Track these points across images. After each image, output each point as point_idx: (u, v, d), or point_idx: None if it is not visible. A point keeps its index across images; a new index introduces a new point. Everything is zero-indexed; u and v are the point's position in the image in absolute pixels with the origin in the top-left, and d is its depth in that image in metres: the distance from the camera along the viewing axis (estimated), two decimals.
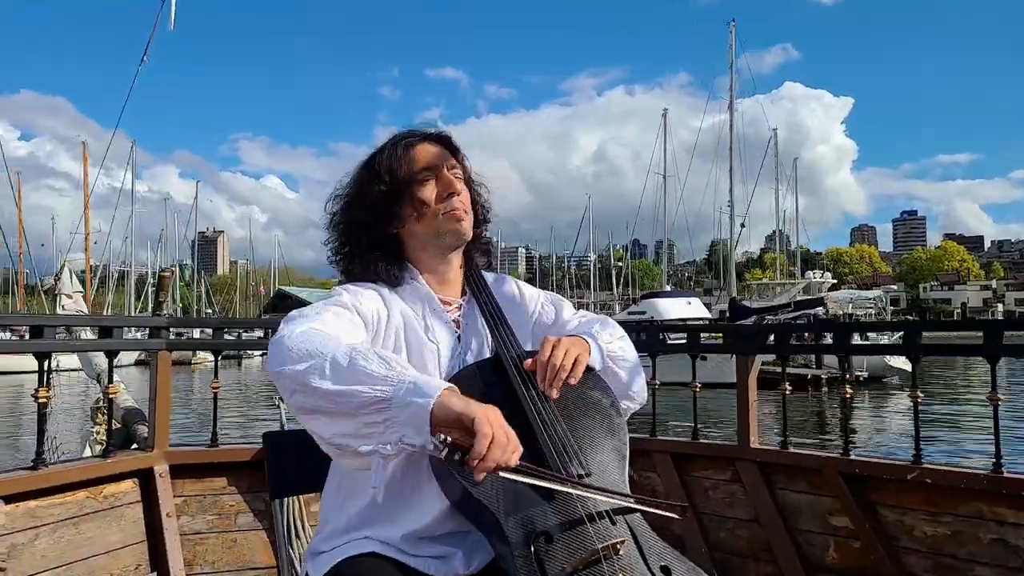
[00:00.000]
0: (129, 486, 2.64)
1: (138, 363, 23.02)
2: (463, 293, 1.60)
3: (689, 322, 26.06)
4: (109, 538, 2.52)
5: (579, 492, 1.26)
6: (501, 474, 1.15)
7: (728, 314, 29.37)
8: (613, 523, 1.28)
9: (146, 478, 2.67)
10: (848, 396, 3.03)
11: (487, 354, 1.52)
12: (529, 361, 1.41)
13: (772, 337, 3.03)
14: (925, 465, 2.59)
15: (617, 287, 69.44)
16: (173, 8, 3.34)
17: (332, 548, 1.40)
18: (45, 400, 2.43)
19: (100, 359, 2.91)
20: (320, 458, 1.50)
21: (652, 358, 3.33)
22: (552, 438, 1.33)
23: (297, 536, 2.59)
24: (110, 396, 2.66)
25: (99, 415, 3.03)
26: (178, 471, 2.73)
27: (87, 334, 3.07)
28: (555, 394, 1.38)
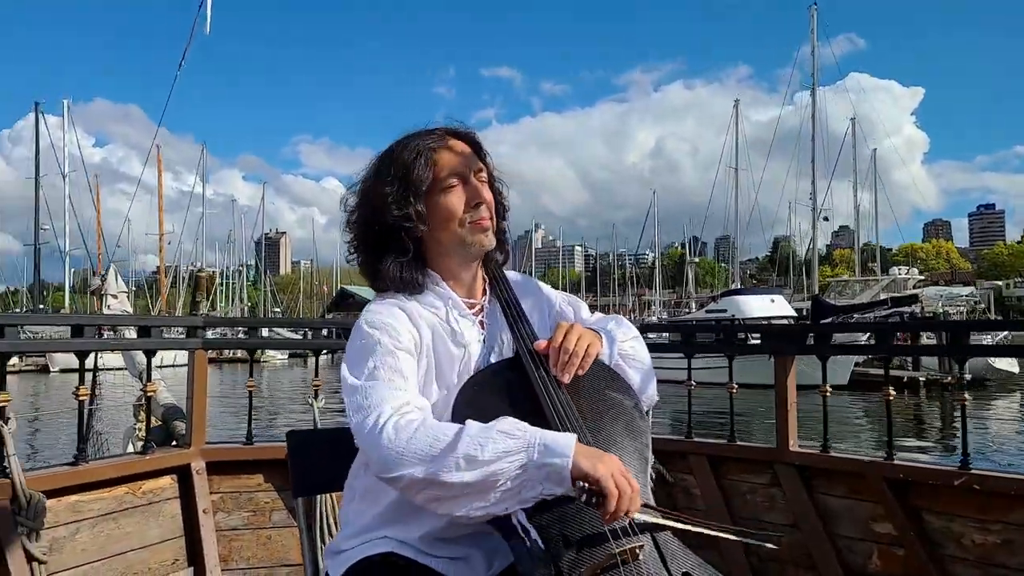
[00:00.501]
0: (167, 482, 2.72)
1: (212, 362, 23.84)
2: (483, 292, 1.57)
3: (773, 321, 25.24)
4: (147, 533, 2.61)
5: (700, 530, 1.29)
6: (636, 518, 1.22)
7: (810, 312, 28.38)
8: (642, 533, 1.26)
9: (183, 475, 2.75)
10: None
11: (510, 352, 1.50)
12: (543, 344, 1.39)
13: (812, 337, 2.93)
14: (973, 471, 2.47)
15: (685, 285, 67.42)
16: (209, 14, 3.43)
17: (351, 547, 1.41)
18: (86, 398, 2.52)
19: (142, 357, 3.00)
20: (342, 458, 1.53)
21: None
22: (564, 412, 1.33)
23: (330, 534, 2.62)
24: (148, 394, 2.75)
25: (140, 412, 3.14)
26: (215, 468, 2.81)
27: (130, 333, 3.18)
28: (567, 379, 1.37)
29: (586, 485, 1.17)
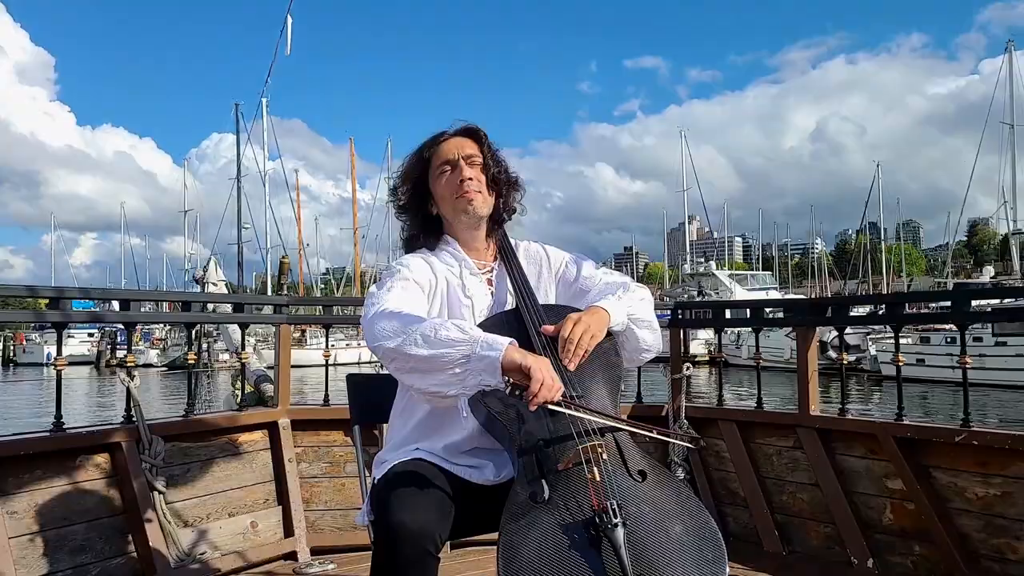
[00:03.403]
0: (259, 436, 3.20)
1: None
2: (495, 258, 1.95)
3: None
4: (244, 476, 3.09)
5: (597, 419, 1.58)
6: (549, 407, 1.51)
7: None
8: (602, 437, 1.60)
9: (272, 430, 3.22)
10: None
11: (512, 306, 1.87)
12: (551, 328, 1.71)
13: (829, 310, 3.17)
14: (973, 428, 2.67)
15: (874, 273, 57.82)
16: (289, 38, 3.91)
17: (390, 458, 1.79)
18: (194, 362, 3.03)
19: (238, 333, 3.50)
20: (386, 395, 1.93)
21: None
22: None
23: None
24: (242, 362, 3.24)
25: (236, 379, 3.64)
26: (298, 425, 3.27)
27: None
28: (572, 366, 1.64)
29: (512, 380, 1.46)
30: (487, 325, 1.76)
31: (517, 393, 1.47)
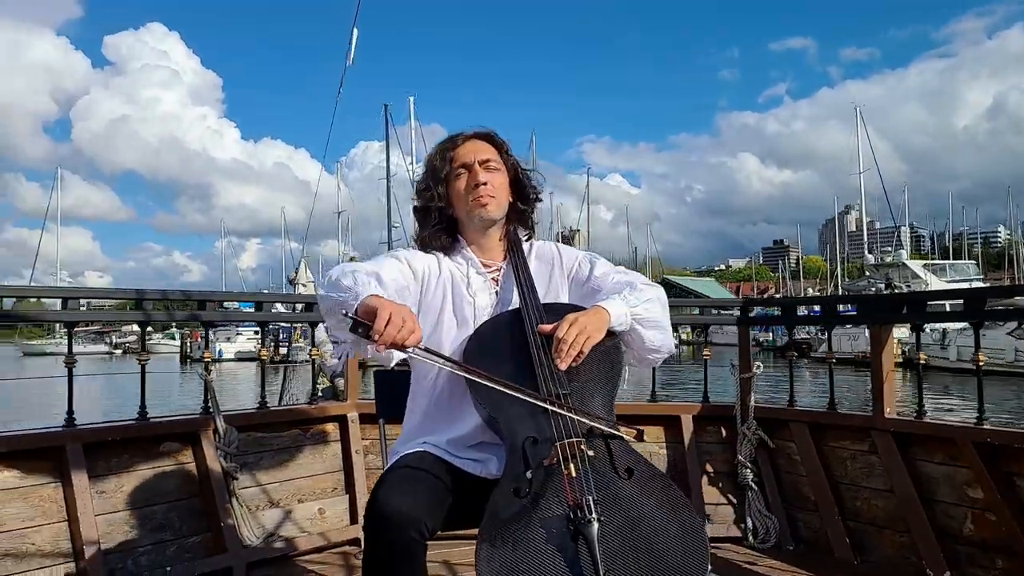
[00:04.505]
0: (330, 428, 3.40)
1: None
2: (504, 258, 1.99)
3: None
4: (314, 465, 3.30)
5: (569, 415, 1.60)
6: (411, 352, 1.55)
7: None
8: (590, 435, 1.62)
9: (342, 422, 3.41)
10: None
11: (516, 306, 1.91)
12: (548, 327, 1.73)
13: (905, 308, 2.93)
14: None
15: None
16: (353, 47, 4.10)
17: (400, 449, 1.88)
18: (267, 358, 3.27)
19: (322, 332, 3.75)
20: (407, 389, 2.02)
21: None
22: (542, 364, 1.69)
23: None
24: (313, 358, 3.46)
25: (321, 374, 3.89)
26: (366, 419, 3.44)
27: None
28: (563, 366, 1.66)
29: (353, 314, 1.51)
30: (486, 325, 1.82)
31: (359, 331, 1.50)
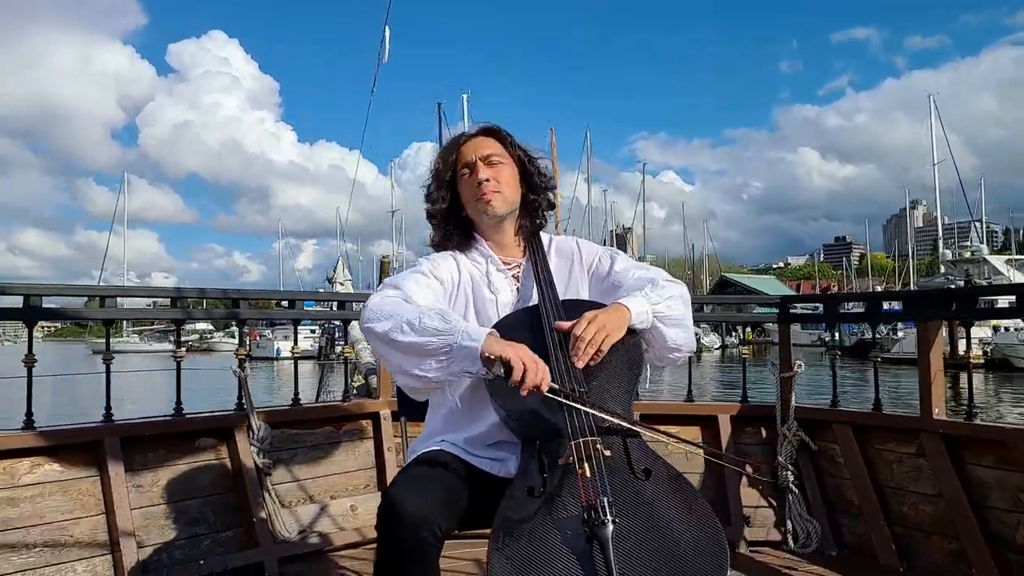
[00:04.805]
0: (363, 424, 3.41)
1: None
2: (524, 254, 1.96)
3: None
4: (346, 462, 3.31)
5: (589, 411, 1.57)
6: (546, 393, 1.53)
7: None
8: (607, 434, 1.59)
9: (374, 420, 3.42)
10: None
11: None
12: (566, 325, 1.70)
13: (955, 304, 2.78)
14: None
15: None
16: (387, 45, 4.11)
17: (420, 448, 1.87)
18: (299, 356, 3.31)
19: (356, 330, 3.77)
20: None
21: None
22: (559, 362, 1.66)
23: None
24: (346, 355, 3.47)
25: (356, 371, 3.92)
26: (398, 416, 3.44)
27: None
28: (580, 364, 1.63)
29: (497, 361, 1.50)
30: (504, 322, 1.79)
31: (502, 373, 1.51)
